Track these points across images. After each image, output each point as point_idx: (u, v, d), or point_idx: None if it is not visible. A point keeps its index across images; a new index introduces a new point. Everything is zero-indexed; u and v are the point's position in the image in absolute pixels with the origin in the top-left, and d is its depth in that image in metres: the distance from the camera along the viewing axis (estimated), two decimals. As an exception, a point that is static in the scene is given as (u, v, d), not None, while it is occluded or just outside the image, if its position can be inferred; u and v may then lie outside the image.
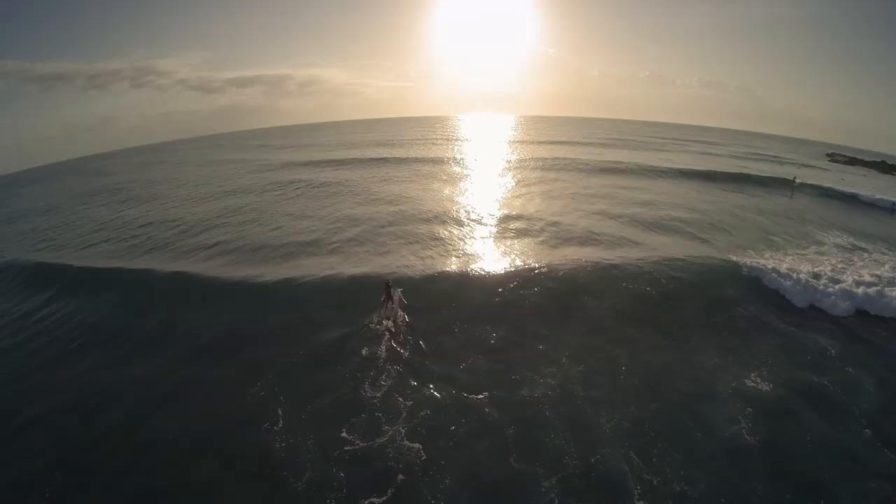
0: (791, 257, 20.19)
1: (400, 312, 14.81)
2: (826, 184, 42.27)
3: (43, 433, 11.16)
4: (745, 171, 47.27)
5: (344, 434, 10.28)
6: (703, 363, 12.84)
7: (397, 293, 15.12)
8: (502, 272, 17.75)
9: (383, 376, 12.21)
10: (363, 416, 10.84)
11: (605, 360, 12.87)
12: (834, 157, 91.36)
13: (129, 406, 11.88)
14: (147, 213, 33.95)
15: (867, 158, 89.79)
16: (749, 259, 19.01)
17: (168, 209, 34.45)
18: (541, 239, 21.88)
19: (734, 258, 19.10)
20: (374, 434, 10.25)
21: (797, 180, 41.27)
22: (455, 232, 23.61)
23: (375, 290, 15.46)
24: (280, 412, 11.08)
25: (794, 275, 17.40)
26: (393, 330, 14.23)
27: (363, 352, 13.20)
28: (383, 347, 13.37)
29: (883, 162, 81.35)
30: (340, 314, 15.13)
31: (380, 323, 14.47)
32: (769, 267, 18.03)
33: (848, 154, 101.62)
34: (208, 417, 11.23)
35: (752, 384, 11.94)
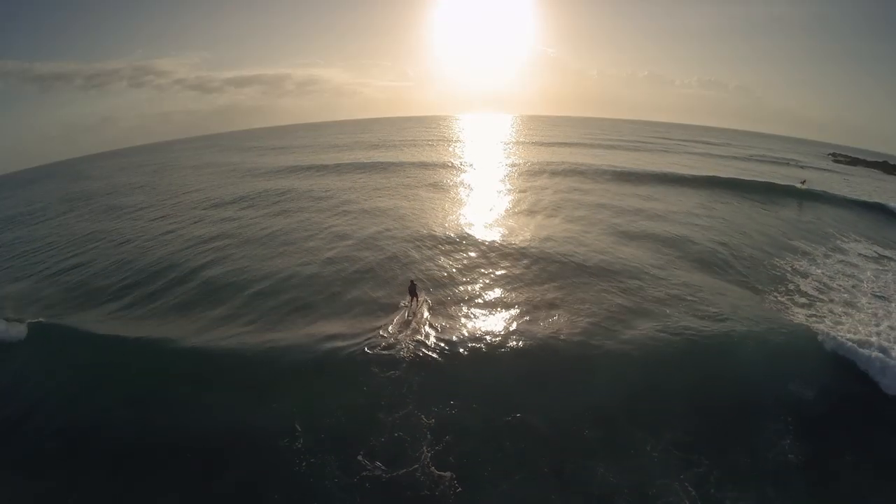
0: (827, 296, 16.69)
1: (425, 313, 14.88)
2: (837, 191, 40.61)
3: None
4: (750, 175, 45.67)
5: (361, 458, 9.61)
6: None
7: (422, 293, 15.69)
8: (528, 290, 16.64)
9: (404, 388, 11.51)
10: (383, 438, 10.09)
11: (646, 380, 11.85)
12: (836, 158, 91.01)
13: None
14: (118, 230, 30.15)
15: (869, 159, 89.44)
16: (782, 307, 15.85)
17: (144, 224, 30.97)
18: (562, 262, 19.44)
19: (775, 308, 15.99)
20: (401, 460, 9.51)
21: (805, 185, 40.26)
22: (470, 248, 21.71)
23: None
24: (299, 428, 10.41)
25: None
26: (415, 326, 14.13)
27: (376, 368, 12.35)
28: (404, 361, 12.54)
29: (885, 162, 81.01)
30: (350, 325, 14.45)
31: (404, 320, 14.47)
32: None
33: (849, 154, 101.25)
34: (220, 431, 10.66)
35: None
